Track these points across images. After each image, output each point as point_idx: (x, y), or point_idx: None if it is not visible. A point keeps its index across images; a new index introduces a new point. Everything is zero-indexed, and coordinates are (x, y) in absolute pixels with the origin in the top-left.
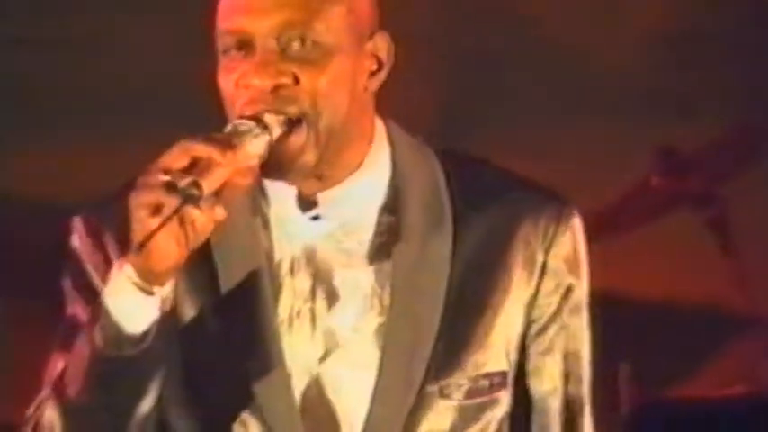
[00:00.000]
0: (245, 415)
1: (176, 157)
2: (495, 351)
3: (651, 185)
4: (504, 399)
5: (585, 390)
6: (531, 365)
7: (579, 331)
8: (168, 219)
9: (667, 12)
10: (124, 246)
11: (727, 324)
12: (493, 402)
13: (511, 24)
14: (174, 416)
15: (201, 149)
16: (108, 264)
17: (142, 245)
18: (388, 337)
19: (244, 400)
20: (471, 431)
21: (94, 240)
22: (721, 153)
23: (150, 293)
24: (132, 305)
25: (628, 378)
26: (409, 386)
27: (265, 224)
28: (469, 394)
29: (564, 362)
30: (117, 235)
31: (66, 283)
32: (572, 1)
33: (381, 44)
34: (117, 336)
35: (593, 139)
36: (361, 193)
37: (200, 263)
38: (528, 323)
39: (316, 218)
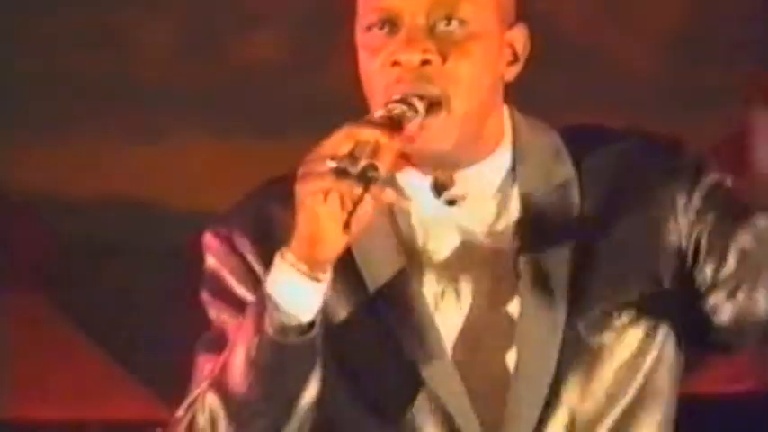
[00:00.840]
0: (417, 402)
1: (340, 143)
2: (633, 289)
3: None
4: (658, 332)
5: None
6: (713, 285)
7: (740, 219)
8: (357, 203)
9: (681, 9)
10: (260, 244)
11: None
12: (645, 350)
13: (525, 20)
14: (341, 420)
15: (367, 133)
16: (245, 265)
17: (346, 226)
18: (524, 298)
19: (412, 388)
20: (620, 371)
21: (227, 247)
22: (738, 148)
23: (317, 280)
24: (299, 293)
25: None
26: (552, 329)
27: (402, 213)
28: (605, 328)
29: (741, 259)
30: (250, 236)
31: (207, 297)
32: None
33: (519, 36)
34: (284, 324)
35: None
36: (492, 173)
37: (342, 262)
38: (683, 254)
39: (451, 203)
